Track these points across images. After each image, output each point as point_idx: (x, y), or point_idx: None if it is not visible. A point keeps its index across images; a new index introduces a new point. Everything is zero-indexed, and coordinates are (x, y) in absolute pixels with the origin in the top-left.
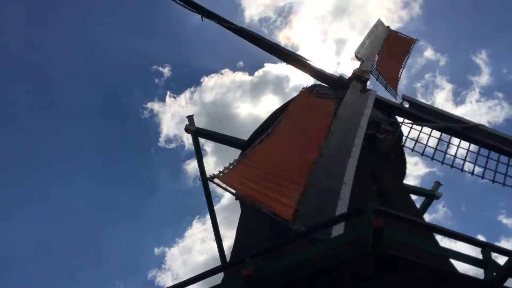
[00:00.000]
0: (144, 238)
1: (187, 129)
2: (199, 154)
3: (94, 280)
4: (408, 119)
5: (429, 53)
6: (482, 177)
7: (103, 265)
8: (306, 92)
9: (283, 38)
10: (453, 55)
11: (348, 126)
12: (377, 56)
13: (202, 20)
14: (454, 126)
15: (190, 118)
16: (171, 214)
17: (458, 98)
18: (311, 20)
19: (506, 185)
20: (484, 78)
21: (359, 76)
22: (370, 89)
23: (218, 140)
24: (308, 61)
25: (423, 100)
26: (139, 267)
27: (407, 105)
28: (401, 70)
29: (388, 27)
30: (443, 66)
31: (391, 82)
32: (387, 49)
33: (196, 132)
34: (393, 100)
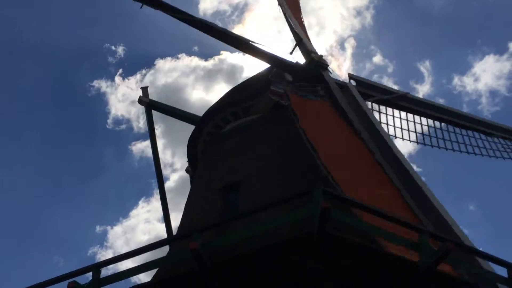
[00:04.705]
0: (86, 217)
1: (140, 101)
2: (151, 127)
3: (32, 255)
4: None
5: (378, 59)
6: (417, 142)
7: (42, 241)
8: (292, 94)
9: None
10: (399, 63)
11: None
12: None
13: (141, 7)
14: (389, 98)
15: (145, 89)
16: (116, 195)
17: None
18: (266, 19)
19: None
20: (426, 87)
21: (320, 63)
22: (346, 83)
23: (171, 114)
24: (263, 48)
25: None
26: (79, 244)
27: (354, 83)
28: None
29: None
30: (391, 72)
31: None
32: (293, 14)
33: (149, 105)
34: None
